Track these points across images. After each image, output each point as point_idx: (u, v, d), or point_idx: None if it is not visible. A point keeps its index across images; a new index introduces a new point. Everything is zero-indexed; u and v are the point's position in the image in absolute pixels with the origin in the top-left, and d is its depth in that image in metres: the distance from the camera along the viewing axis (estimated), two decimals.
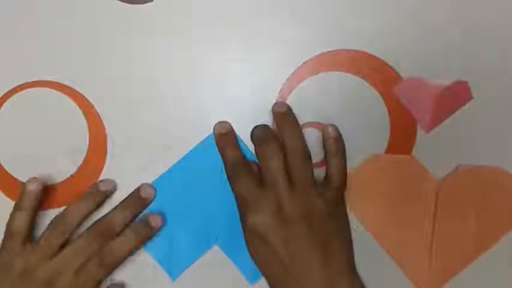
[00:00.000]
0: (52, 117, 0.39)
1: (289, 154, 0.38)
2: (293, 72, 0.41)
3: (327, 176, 0.39)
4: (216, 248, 0.41)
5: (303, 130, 0.41)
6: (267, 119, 0.41)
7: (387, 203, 0.40)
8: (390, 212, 0.40)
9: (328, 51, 0.41)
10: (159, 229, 0.40)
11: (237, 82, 0.41)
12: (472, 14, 0.41)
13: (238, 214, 0.39)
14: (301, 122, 0.41)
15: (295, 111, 0.41)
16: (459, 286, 0.40)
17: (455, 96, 0.40)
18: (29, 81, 0.42)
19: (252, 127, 0.40)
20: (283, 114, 0.40)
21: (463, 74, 0.40)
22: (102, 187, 0.40)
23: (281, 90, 0.41)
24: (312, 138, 0.41)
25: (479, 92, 0.40)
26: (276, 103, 0.40)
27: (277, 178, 0.37)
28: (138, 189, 0.40)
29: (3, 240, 0.39)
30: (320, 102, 0.41)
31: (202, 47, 0.42)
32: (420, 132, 0.41)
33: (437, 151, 0.40)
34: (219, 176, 0.40)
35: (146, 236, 0.40)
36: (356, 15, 0.41)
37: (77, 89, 0.42)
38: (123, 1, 0.42)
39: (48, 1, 0.42)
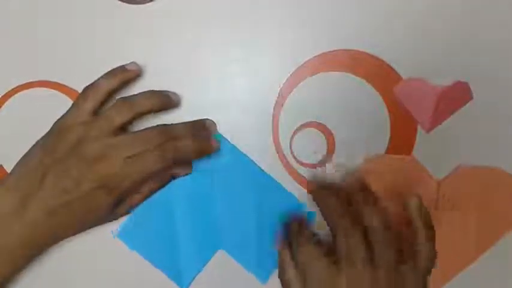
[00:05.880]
0: (52, 117, 0.39)
1: (370, 231, 0.34)
2: (293, 72, 0.41)
3: (416, 256, 0.35)
4: (221, 251, 0.41)
5: (303, 130, 0.41)
6: (266, 120, 0.41)
7: (387, 203, 0.40)
8: (390, 212, 0.40)
9: (328, 51, 0.41)
10: (218, 148, 0.40)
11: (237, 82, 0.41)
12: (472, 14, 0.41)
13: (239, 215, 0.38)
14: (301, 122, 0.41)
15: (295, 111, 0.41)
16: (459, 286, 0.40)
17: (455, 96, 0.40)
18: (29, 81, 0.42)
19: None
20: (359, 190, 0.36)
21: (463, 74, 0.40)
22: (209, 125, 0.40)
23: (281, 90, 0.41)
24: (312, 138, 0.41)
25: (479, 92, 0.40)
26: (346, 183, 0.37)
27: (358, 256, 0.34)
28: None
29: (75, 100, 0.39)
30: (320, 102, 0.41)
31: (202, 47, 0.42)
32: (420, 132, 0.41)
33: (437, 151, 0.40)
34: (218, 177, 0.40)
35: (207, 147, 0.39)
36: (356, 15, 0.41)
37: (77, 89, 0.42)
38: (123, 1, 0.42)
39: (48, 1, 0.42)
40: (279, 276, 0.36)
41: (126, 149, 0.37)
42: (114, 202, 0.38)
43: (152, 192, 0.40)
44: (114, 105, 0.38)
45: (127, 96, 0.39)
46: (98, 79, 0.39)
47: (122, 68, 0.40)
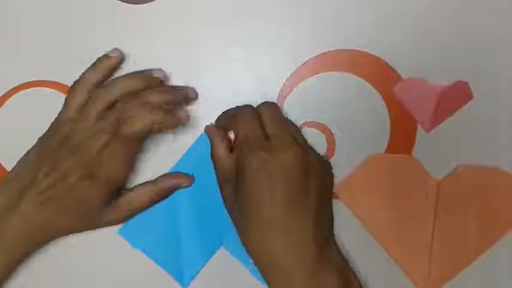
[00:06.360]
0: (52, 117, 0.39)
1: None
2: (293, 72, 0.41)
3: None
4: (222, 249, 0.41)
5: (303, 130, 0.41)
6: None
7: (387, 203, 0.40)
8: (390, 212, 0.40)
9: (328, 51, 0.41)
10: (183, 101, 0.40)
11: (237, 82, 0.41)
12: (472, 14, 0.41)
13: None
14: (301, 122, 0.41)
15: (295, 111, 0.41)
16: (459, 286, 0.39)
17: (455, 96, 0.40)
18: (29, 81, 0.42)
19: None
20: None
21: (463, 74, 0.40)
22: (155, 73, 0.39)
23: (281, 90, 0.41)
24: (312, 138, 0.41)
25: (479, 92, 0.40)
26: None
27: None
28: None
29: (66, 97, 0.39)
30: (320, 102, 0.41)
31: (202, 47, 0.42)
32: (420, 132, 0.41)
33: (437, 151, 0.40)
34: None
35: (176, 99, 0.39)
36: (356, 15, 0.41)
37: None
38: (123, 1, 0.42)
39: (48, 1, 0.42)
40: (211, 156, 0.39)
41: (101, 136, 0.37)
42: (105, 193, 0.38)
43: (153, 202, 0.40)
44: (92, 95, 0.38)
45: (105, 83, 0.39)
46: (83, 72, 0.40)
47: (105, 57, 0.40)
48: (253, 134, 0.37)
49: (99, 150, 0.37)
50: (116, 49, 0.40)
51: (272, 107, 0.39)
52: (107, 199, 0.38)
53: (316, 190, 0.36)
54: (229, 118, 0.39)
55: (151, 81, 0.39)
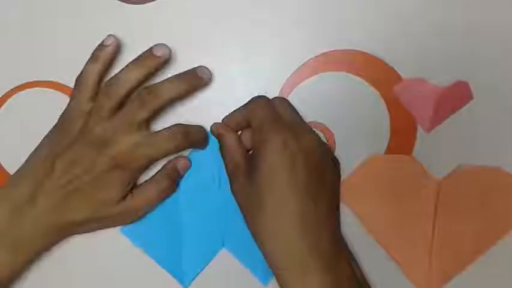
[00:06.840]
0: (52, 117, 0.39)
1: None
2: (293, 72, 0.41)
3: None
4: (224, 251, 0.41)
5: None
6: None
7: (387, 203, 0.40)
8: (390, 212, 0.40)
9: (328, 51, 0.41)
10: (207, 82, 0.40)
11: (237, 82, 0.41)
12: (472, 13, 0.41)
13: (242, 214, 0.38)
14: None
15: None
16: (459, 286, 0.40)
17: (455, 96, 0.40)
18: (29, 81, 0.42)
19: None
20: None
21: (463, 74, 0.40)
22: (157, 51, 0.39)
23: (281, 90, 0.41)
24: None
25: (479, 92, 0.40)
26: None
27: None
28: (151, 49, 0.39)
29: (72, 93, 0.39)
30: (320, 102, 0.41)
31: (202, 47, 0.42)
32: (420, 132, 0.41)
33: (437, 151, 0.40)
34: (220, 176, 0.40)
35: (192, 84, 0.39)
36: (356, 15, 0.41)
37: None
38: (123, 1, 0.42)
39: (48, 1, 0.42)
40: (225, 163, 0.39)
41: (122, 126, 0.37)
42: (131, 180, 0.38)
43: (160, 196, 0.39)
44: (101, 90, 0.38)
45: (113, 77, 0.39)
46: (86, 65, 0.39)
47: (102, 46, 0.40)
48: (272, 117, 0.37)
49: (124, 143, 0.36)
50: (110, 36, 0.40)
51: (285, 100, 0.40)
52: (128, 188, 0.38)
53: (330, 181, 0.38)
54: (243, 109, 0.39)
55: (156, 64, 0.39)
